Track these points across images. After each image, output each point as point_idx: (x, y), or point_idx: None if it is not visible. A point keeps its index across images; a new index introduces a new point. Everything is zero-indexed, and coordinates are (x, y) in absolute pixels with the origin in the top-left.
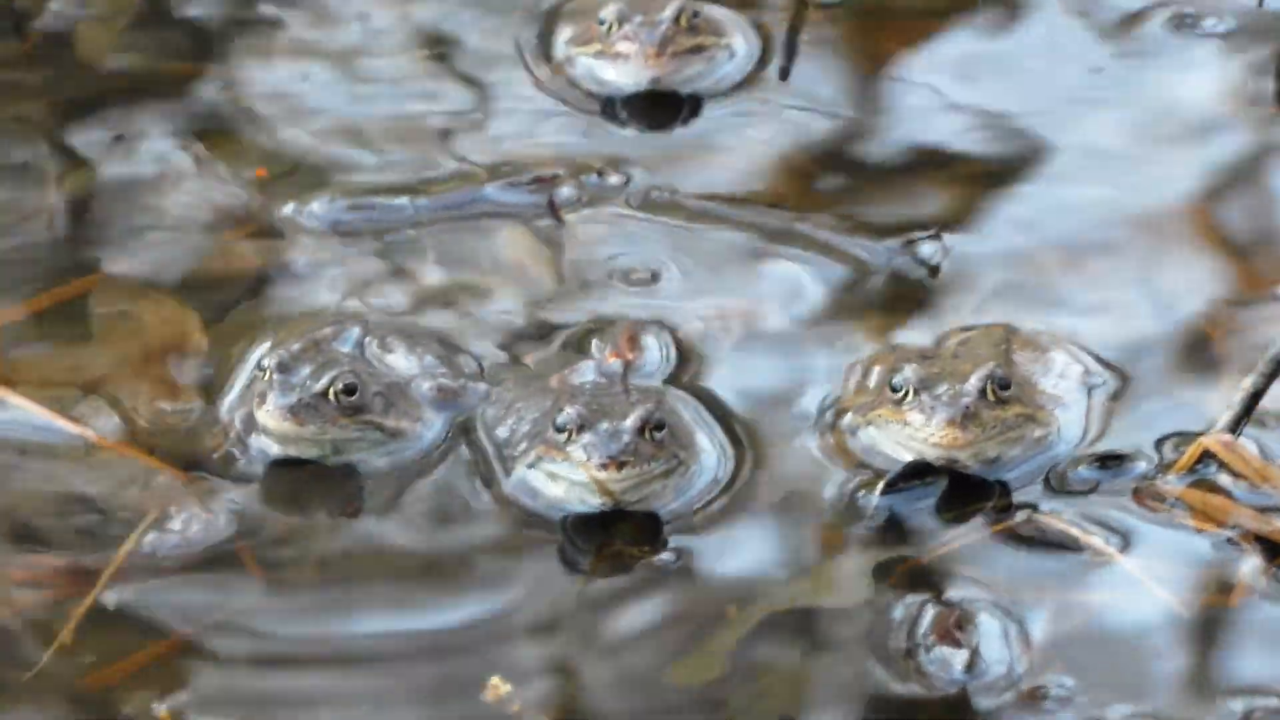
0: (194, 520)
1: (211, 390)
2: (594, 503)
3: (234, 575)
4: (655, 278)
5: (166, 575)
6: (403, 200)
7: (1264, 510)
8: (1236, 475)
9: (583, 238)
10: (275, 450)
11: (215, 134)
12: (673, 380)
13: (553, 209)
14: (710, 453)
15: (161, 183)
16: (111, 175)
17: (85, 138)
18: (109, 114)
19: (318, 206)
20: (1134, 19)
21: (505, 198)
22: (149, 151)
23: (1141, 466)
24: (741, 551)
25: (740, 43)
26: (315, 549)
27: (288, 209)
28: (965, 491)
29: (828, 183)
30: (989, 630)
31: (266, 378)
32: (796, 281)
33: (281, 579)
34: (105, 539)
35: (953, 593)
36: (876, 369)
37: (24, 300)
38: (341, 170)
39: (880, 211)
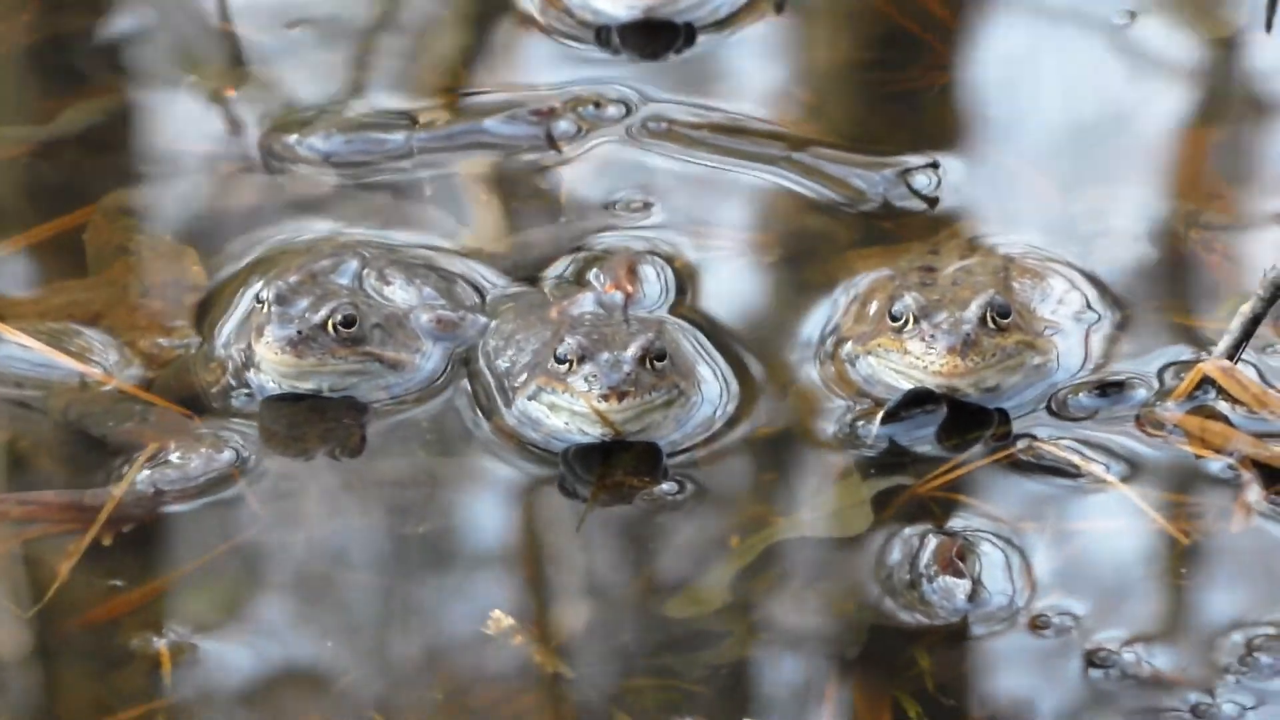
0: (193, 455)
1: (209, 324)
2: (595, 433)
3: (234, 509)
4: (653, 208)
5: (166, 510)
6: (400, 133)
7: (1262, 436)
8: (1235, 401)
9: (581, 169)
10: (273, 383)
11: (212, 66)
12: (672, 310)
13: (551, 141)
14: (711, 383)
15: (156, 115)
16: (106, 108)
17: (77, 69)
18: (104, 44)
19: (315, 139)
20: None
21: (504, 130)
22: (143, 83)
23: (1141, 393)
24: (743, 482)
25: None
26: (314, 482)
27: (285, 141)
28: (965, 420)
29: (824, 112)
30: (991, 559)
31: (264, 310)
32: (794, 211)
33: (281, 512)
34: (104, 475)
35: (954, 522)
36: (876, 298)
37: (19, 234)
38: (339, 103)
39: (876, 140)
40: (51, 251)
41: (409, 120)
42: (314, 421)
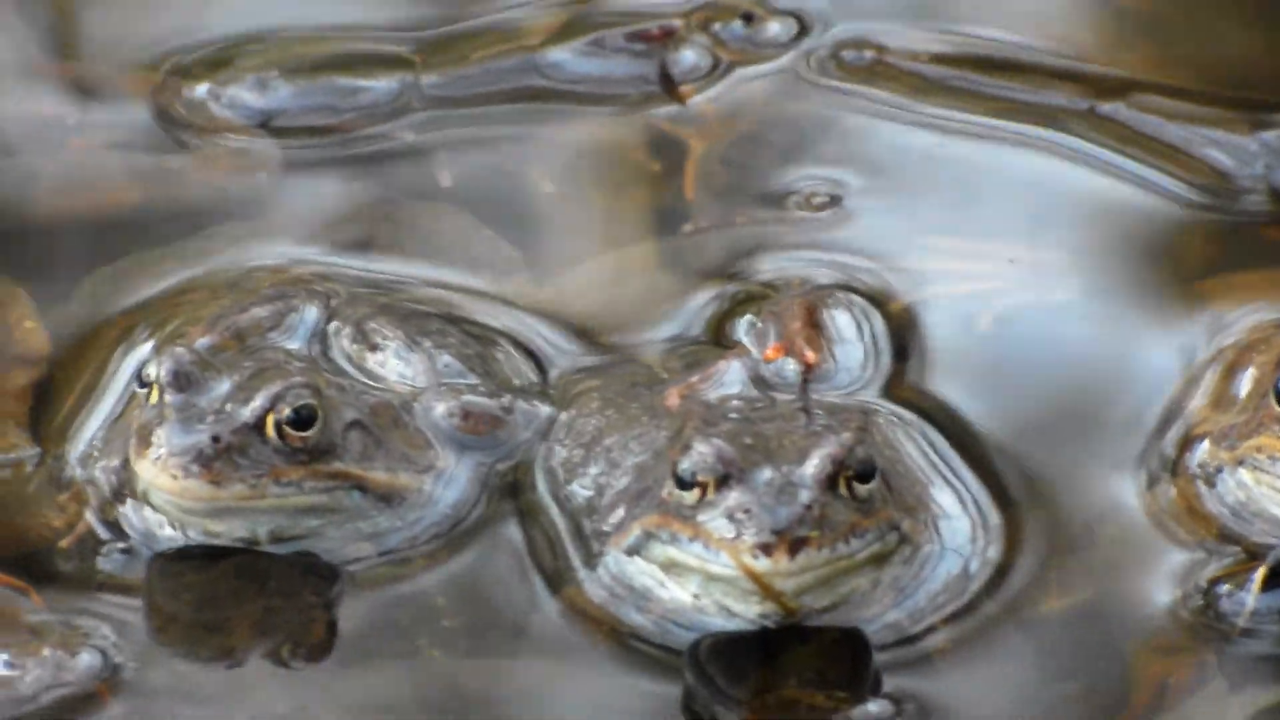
0: (28, 659)
1: (54, 425)
2: (751, 614)
3: None
4: (847, 205)
5: None
6: (394, 79)
7: None
8: None
9: (721, 132)
10: (171, 529)
11: None
12: (885, 392)
13: (667, 83)
14: (956, 519)
15: None
16: None
17: None
18: None
19: (244, 89)
20: None
21: (585, 68)
22: None
23: None
24: (1017, 696)
25: None
26: (242, 708)
27: (192, 96)
28: None
29: (1154, 30)
30: None
31: (154, 400)
32: (1100, 207)
33: None
34: None
35: None
36: (1253, 364)
37: None
38: (284, 30)
39: (1247, 79)
40: None
41: (408, 56)
42: (243, 598)
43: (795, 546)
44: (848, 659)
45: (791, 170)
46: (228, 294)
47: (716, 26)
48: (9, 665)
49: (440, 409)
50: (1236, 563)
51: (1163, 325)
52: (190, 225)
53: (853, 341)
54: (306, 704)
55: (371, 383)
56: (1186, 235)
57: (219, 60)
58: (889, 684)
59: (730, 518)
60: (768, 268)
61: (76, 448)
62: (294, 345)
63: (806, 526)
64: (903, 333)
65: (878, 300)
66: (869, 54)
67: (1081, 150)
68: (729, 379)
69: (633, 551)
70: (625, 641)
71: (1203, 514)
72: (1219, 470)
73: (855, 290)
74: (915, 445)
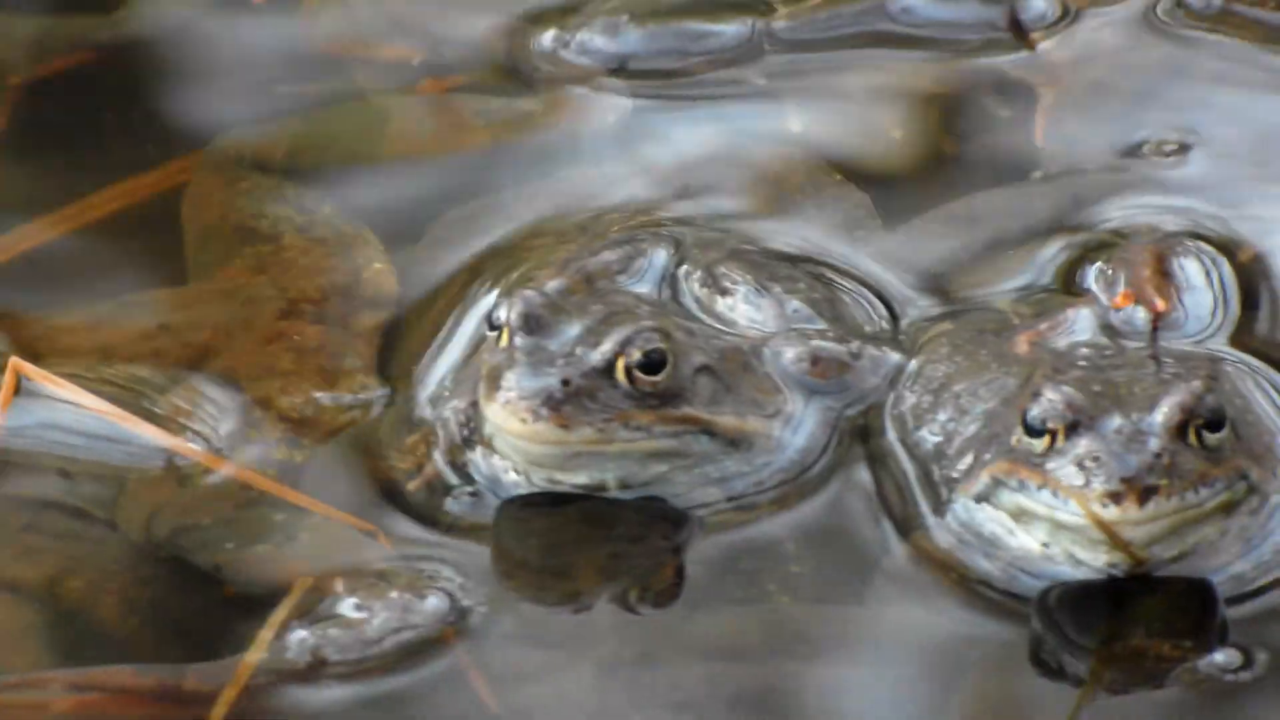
0: (375, 601)
1: (402, 367)
2: (1099, 563)
3: (449, 697)
4: (1195, 153)
5: (327, 697)
6: (744, 23)
7: None
8: None
9: (1070, 79)
10: (518, 474)
11: None
12: (1234, 340)
13: (1016, 29)
14: None
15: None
16: None
17: None
18: None
19: (595, 34)
20: None
21: (931, 13)
22: None
23: None
24: None
25: None
26: (591, 652)
27: (540, 42)
28: None
29: None
30: None
31: (503, 343)
32: None
33: (531, 705)
34: (217, 637)
35: None
36: None
37: (69, 204)
38: None
39: None
40: (122, 235)
41: (758, 1)
42: (590, 543)
43: (1144, 495)
44: (1195, 610)
45: (1141, 117)
46: (577, 237)
47: None
48: (357, 608)
49: (789, 354)
50: None
51: None
52: (540, 168)
53: (1202, 289)
54: (653, 649)
55: (721, 327)
56: None
57: (570, 4)
58: (1236, 635)
59: (1079, 465)
60: (1117, 215)
61: (425, 390)
62: (643, 289)
63: (1156, 475)
64: (1252, 281)
65: (1227, 248)
66: (1217, 1)
67: None
68: (1078, 326)
69: (981, 498)
70: (973, 588)
71: None
72: None
73: (1204, 238)
74: (1265, 394)
